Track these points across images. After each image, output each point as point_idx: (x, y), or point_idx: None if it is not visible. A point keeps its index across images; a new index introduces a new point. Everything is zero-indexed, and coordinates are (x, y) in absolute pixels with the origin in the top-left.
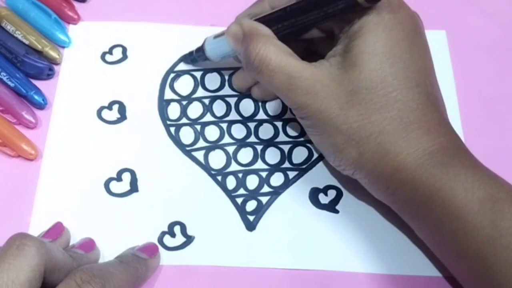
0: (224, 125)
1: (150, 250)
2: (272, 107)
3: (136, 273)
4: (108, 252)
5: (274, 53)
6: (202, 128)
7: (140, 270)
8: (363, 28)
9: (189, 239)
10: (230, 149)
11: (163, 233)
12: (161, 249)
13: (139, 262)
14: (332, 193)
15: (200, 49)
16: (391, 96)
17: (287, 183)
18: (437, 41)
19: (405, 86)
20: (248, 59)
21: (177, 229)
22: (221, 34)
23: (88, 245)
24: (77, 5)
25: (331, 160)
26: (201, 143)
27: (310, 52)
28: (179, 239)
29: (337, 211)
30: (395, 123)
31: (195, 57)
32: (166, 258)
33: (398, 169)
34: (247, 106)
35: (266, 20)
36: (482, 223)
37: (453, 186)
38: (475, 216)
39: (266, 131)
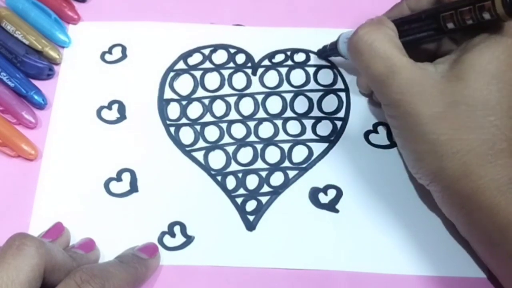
0: (224, 125)
1: (150, 251)
2: (272, 105)
3: (136, 273)
4: (108, 252)
5: (382, 40)
6: (202, 129)
7: (140, 270)
8: (482, 44)
9: (189, 239)
10: (230, 149)
11: (163, 233)
12: (161, 249)
13: (139, 262)
14: (332, 193)
15: (334, 44)
16: (489, 120)
17: (287, 183)
18: None
19: (506, 114)
20: (352, 38)
21: (177, 229)
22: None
23: (88, 245)
24: (77, 5)
25: (410, 166)
26: (201, 144)
27: (419, 50)
28: (179, 239)
29: (337, 211)
30: (486, 147)
31: (328, 52)
32: (166, 258)
33: (477, 192)
34: (247, 105)
35: (398, 21)
36: None
37: None
38: None
39: (266, 130)
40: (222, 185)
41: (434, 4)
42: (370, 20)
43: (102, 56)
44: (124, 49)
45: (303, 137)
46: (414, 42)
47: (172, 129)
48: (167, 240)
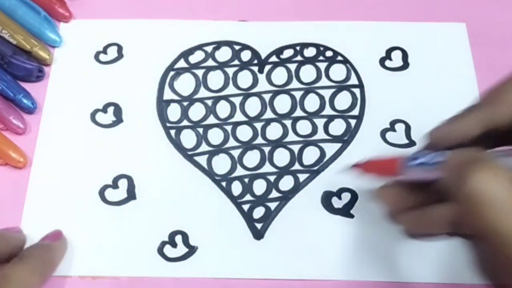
0: (229, 128)
1: (52, 236)
2: (281, 104)
3: (42, 262)
4: (104, 264)
5: (508, 191)
6: (205, 131)
7: (45, 257)
8: None
9: (191, 250)
10: (235, 153)
11: (163, 243)
12: (161, 260)
13: (41, 249)
14: (346, 197)
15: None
16: None
17: (298, 187)
18: (456, 34)
19: None
20: (465, 190)
21: (178, 238)
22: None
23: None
24: (68, 2)
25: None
26: (203, 147)
27: None
28: (181, 249)
29: (352, 216)
30: None
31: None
32: (166, 269)
33: None
34: (253, 105)
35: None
36: None
37: None
38: None
39: (274, 131)
40: (227, 191)
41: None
42: (465, 154)
43: (96, 56)
44: (120, 48)
45: (315, 137)
46: None
47: (172, 132)
48: (168, 250)
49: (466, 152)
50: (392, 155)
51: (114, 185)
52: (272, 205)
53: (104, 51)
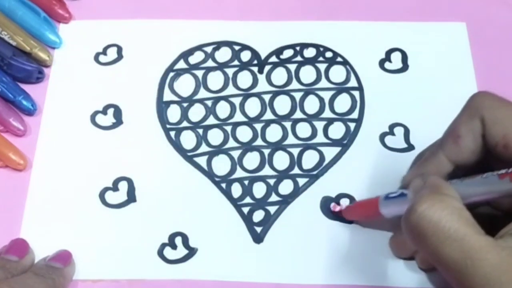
0: (228, 128)
1: (64, 259)
2: (280, 105)
3: (54, 285)
4: (104, 267)
5: (450, 218)
6: (205, 132)
7: (57, 281)
8: None
9: (191, 251)
10: (235, 154)
11: (163, 245)
12: (161, 262)
13: (55, 273)
14: (345, 202)
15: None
16: None
17: (297, 191)
18: (456, 34)
19: None
20: (410, 218)
21: (178, 240)
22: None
23: (19, 250)
24: (68, 3)
25: None
26: (203, 148)
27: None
28: (181, 251)
29: (350, 222)
30: None
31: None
32: (166, 271)
33: None
34: (253, 106)
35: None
36: None
37: None
38: None
39: (273, 133)
40: (227, 193)
41: (481, 154)
42: (422, 184)
43: (96, 57)
44: (119, 49)
45: (314, 140)
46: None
47: (172, 134)
48: (168, 252)
49: (419, 181)
50: (370, 197)
51: (114, 187)
52: (272, 209)
53: (104, 52)
